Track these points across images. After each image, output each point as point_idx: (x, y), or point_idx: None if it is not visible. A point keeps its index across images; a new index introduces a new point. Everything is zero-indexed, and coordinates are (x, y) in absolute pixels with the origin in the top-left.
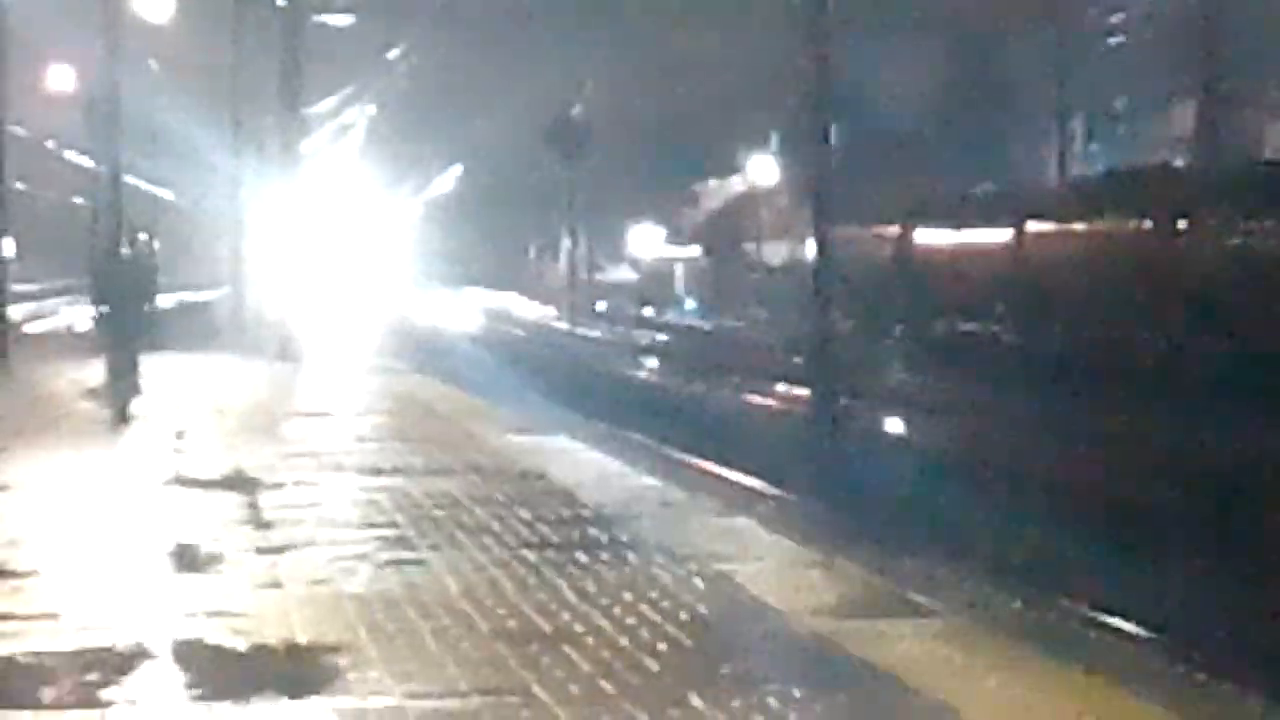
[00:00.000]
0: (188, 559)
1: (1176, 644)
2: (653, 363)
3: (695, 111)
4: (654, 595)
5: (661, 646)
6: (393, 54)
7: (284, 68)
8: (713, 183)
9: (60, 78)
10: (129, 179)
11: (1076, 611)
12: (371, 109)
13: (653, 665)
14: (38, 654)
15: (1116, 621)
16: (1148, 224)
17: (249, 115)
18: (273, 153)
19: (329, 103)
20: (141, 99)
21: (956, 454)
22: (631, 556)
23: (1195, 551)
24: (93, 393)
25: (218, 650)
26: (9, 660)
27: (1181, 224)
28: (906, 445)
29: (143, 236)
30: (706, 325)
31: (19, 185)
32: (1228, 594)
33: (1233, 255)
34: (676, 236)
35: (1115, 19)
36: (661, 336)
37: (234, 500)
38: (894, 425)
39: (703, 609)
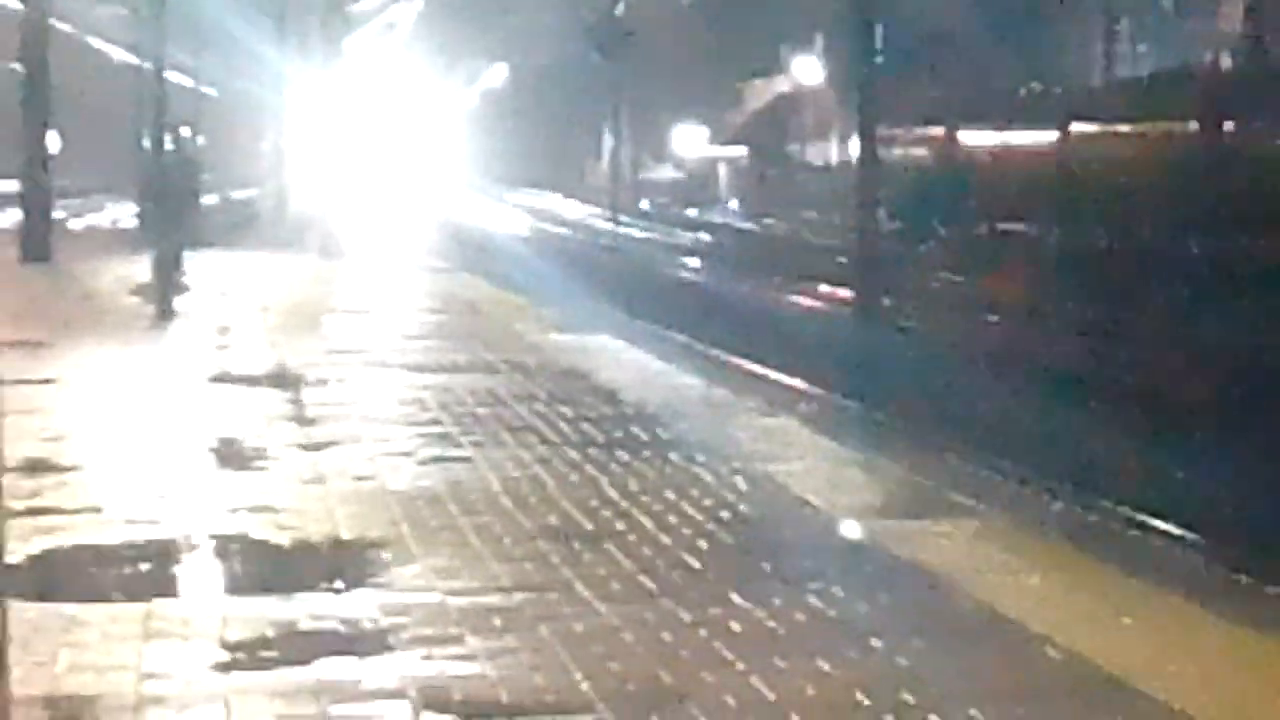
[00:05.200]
0: (231, 455)
1: (1216, 545)
2: (695, 262)
3: (740, 11)
4: (696, 493)
5: (703, 544)
6: None
7: None
8: (757, 83)
9: None
10: (173, 75)
11: (1117, 512)
12: (419, 4)
13: (694, 563)
14: (82, 547)
15: (1156, 522)
16: (1193, 125)
17: (294, 12)
18: (317, 49)
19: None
20: None
21: (1000, 354)
22: (673, 455)
23: (1237, 453)
24: (137, 289)
25: (261, 545)
26: (55, 553)
27: (1227, 125)
28: (950, 346)
29: (186, 133)
30: (750, 225)
31: (62, 81)
32: (1269, 496)
33: (1278, 156)
34: (720, 136)
35: None
36: (704, 236)
37: (277, 397)
38: (936, 326)
39: (744, 508)
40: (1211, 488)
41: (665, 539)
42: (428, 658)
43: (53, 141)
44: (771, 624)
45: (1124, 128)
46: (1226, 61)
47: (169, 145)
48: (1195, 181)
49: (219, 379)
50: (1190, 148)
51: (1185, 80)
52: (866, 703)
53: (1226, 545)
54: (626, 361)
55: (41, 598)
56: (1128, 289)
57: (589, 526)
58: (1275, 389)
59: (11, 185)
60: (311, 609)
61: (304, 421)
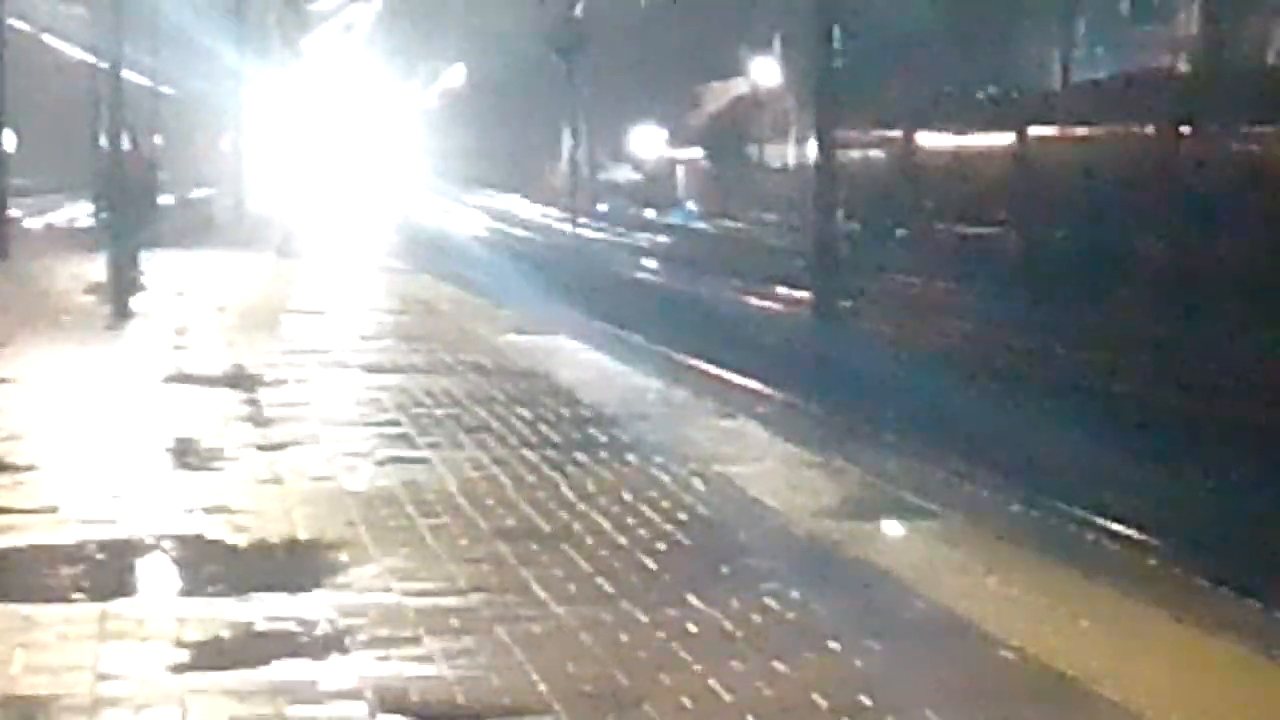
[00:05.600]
0: (188, 455)
1: (1175, 548)
2: (654, 264)
3: (698, 13)
4: (653, 495)
5: (660, 546)
6: None
7: None
8: (715, 84)
9: None
10: (130, 74)
11: (1075, 514)
12: (378, 4)
13: (651, 565)
14: (38, 547)
15: (1115, 525)
16: (1150, 129)
17: (252, 11)
18: (275, 49)
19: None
20: None
21: (957, 357)
22: (631, 456)
23: (1196, 455)
24: (94, 289)
25: (218, 545)
26: (9, 553)
27: (1184, 130)
28: (907, 348)
29: (143, 132)
30: (708, 227)
31: (18, 80)
32: (1228, 498)
33: (1234, 162)
34: (678, 138)
35: None
36: (663, 238)
37: (234, 397)
38: (895, 327)
39: (702, 509)
40: (1171, 490)
41: (623, 540)
42: (384, 659)
43: (9, 140)
44: (729, 625)
45: (1082, 131)
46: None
47: (126, 145)
48: (1151, 185)
49: (176, 379)
50: (1147, 152)
51: (1142, 84)
52: (824, 704)
53: (1184, 548)
54: (584, 362)
55: None
56: (1086, 292)
57: (546, 528)
58: (1236, 390)
59: None
60: (268, 610)
61: (261, 422)
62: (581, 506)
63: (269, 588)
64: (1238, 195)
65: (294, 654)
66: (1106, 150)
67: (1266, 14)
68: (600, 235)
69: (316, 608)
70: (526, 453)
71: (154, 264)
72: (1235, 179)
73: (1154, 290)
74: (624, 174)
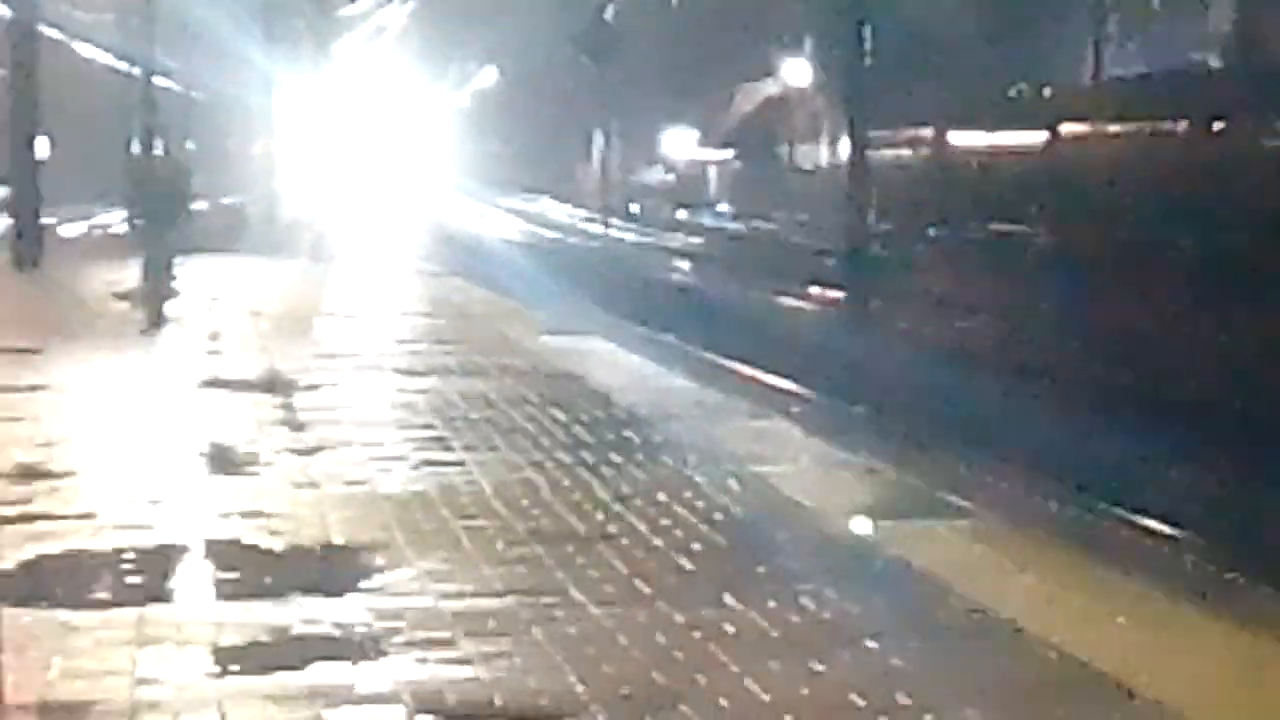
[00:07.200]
0: (223, 460)
1: (1213, 545)
2: (686, 265)
3: (729, 14)
4: (688, 496)
5: (696, 547)
6: None
7: None
8: (746, 85)
9: None
10: (162, 81)
11: (1111, 512)
12: (409, 7)
13: (688, 565)
14: (75, 553)
15: (1151, 522)
16: (1183, 126)
17: (282, 16)
18: (306, 52)
19: (364, 3)
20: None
21: (991, 356)
22: (666, 457)
23: (1229, 452)
24: (128, 295)
25: (254, 550)
26: (47, 559)
27: (1217, 126)
28: (940, 347)
29: (175, 138)
30: (740, 227)
31: (51, 87)
32: (1261, 494)
33: (1269, 158)
34: (710, 139)
35: None
36: (695, 239)
37: (269, 401)
38: (928, 327)
39: (737, 510)
40: (1205, 487)
41: (658, 541)
42: (421, 661)
43: (42, 147)
44: (765, 625)
45: (1114, 128)
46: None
47: (159, 150)
48: (1184, 183)
49: (210, 384)
50: (1180, 149)
51: (1175, 81)
52: (861, 703)
53: (1222, 545)
54: (618, 364)
55: (34, 604)
56: (1119, 290)
57: (582, 529)
58: (1269, 386)
59: (1, 191)
60: (305, 613)
61: (296, 426)
62: (617, 508)
63: (306, 591)
64: (1272, 192)
65: (331, 657)
66: (1139, 147)
67: None
68: (632, 237)
69: (353, 611)
70: (561, 455)
71: (187, 269)
72: (1269, 175)
73: (1187, 288)
74: (656, 175)
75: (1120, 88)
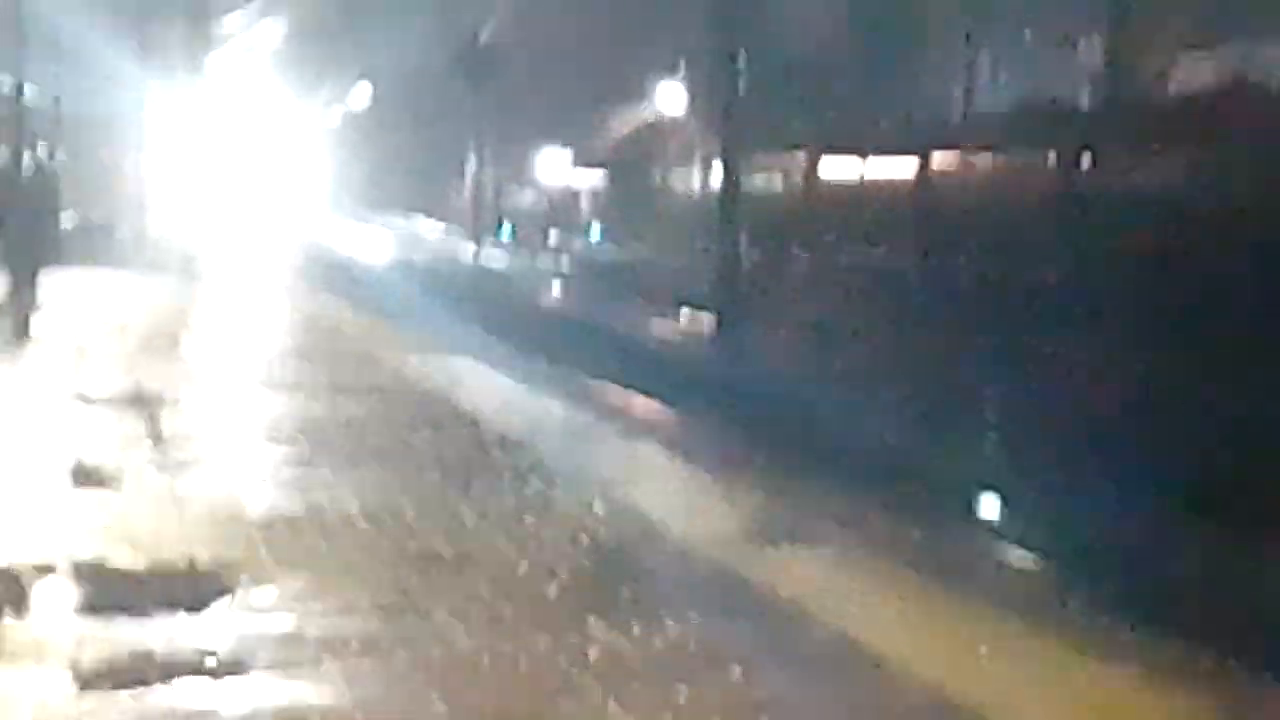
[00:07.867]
0: (87, 476)
1: (1076, 576)
2: (558, 286)
3: (605, 36)
4: (555, 519)
5: (562, 571)
6: None
7: None
8: (621, 107)
9: None
10: (32, 93)
11: (978, 542)
12: (282, 26)
13: (553, 589)
14: None
15: (1013, 550)
16: (1051, 158)
17: (156, 30)
18: (179, 67)
19: (238, 18)
20: (42, 6)
21: (859, 382)
22: (534, 480)
23: (1091, 480)
24: None
25: (116, 567)
26: None
27: (1085, 158)
28: (809, 372)
29: (45, 151)
30: (612, 249)
31: None
32: (1127, 524)
33: (1135, 190)
34: (584, 160)
35: None
36: (566, 259)
37: (135, 417)
38: (797, 352)
39: (604, 533)
40: (1069, 514)
41: (524, 565)
42: (285, 681)
43: None
44: (630, 651)
45: (984, 158)
46: (1085, 94)
47: (27, 163)
48: (1052, 214)
49: (75, 400)
50: (1048, 180)
51: (1044, 113)
52: None
53: (1088, 576)
54: (488, 385)
55: None
56: (987, 318)
57: (448, 551)
58: (1132, 412)
59: None
60: (167, 631)
61: (161, 442)
62: (483, 530)
63: (169, 609)
64: (1137, 224)
65: (193, 675)
66: (1007, 178)
67: (1168, 44)
68: (504, 257)
69: (216, 630)
70: (429, 475)
71: (54, 284)
72: (1134, 208)
73: (1053, 318)
74: (529, 196)
75: (990, 118)
